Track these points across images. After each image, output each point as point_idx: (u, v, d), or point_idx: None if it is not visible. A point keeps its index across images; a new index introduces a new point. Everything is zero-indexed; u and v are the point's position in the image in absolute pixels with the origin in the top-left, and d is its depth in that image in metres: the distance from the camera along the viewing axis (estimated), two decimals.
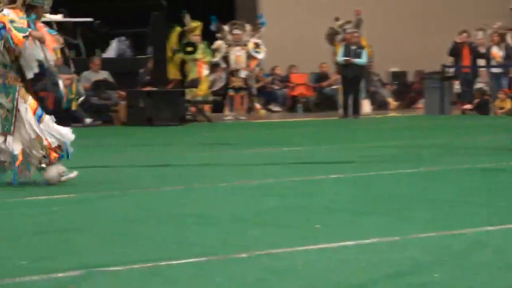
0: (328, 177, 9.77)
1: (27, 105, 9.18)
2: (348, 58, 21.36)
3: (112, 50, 21.97)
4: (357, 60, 21.38)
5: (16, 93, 9.16)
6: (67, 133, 9.24)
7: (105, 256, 5.68)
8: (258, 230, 6.58)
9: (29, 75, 9.31)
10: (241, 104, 21.21)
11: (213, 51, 21.38)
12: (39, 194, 8.57)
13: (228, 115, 21.15)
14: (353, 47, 21.55)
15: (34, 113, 9.15)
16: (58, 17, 20.43)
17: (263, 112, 21.75)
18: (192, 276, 5.20)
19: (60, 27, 20.64)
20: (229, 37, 21.16)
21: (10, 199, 8.45)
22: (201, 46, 22.28)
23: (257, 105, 21.77)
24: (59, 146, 9.16)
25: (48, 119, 9.17)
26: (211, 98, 21.51)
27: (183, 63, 22.36)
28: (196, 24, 22.35)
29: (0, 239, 6.35)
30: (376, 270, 5.25)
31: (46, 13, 9.92)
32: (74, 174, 9.24)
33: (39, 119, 9.11)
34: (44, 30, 9.60)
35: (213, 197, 8.41)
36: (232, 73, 21.10)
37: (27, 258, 5.64)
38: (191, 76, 22.06)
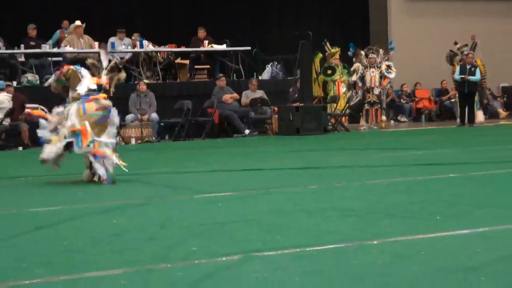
0: (449, 176, 9.61)
1: None
2: (464, 76, 21.13)
3: (267, 73, 22.14)
4: (472, 77, 21.14)
5: None
6: None
7: (260, 243, 5.69)
8: (388, 221, 6.51)
9: None
10: (375, 116, 21.16)
11: (352, 72, 21.43)
12: (207, 192, 8.67)
13: (363, 125, 21.12)
14: (469, 66, 21.30)
15: None
16: (223, 47, 20.72)
17: (384, 123, 21.54)
18: (332, 259, 5.17)
19: (223, 55, 20.99)
20: (365, 60, 21.15)
21: (185, 196, 8.59)
22: (339, 68, 22.39)
23: (383, 117, 21.59)
24: None
25: None
26: (347, 111, 21.52)
27: (325, 83, 22.50)
28: (336, 49, 22.53)
29: (178, 228, 6.45)
30: (489, 254, 5.13)
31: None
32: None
33: None
34: None
35: (350, 194, 8.35)
36: (368, 90, 21.09)
37: (197, 244, 5.71)
38: (331, 93, 22.18)
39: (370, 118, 21.09)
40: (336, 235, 5.96)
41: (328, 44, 22.71)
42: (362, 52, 21.39)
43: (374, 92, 21.03)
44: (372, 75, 21.04)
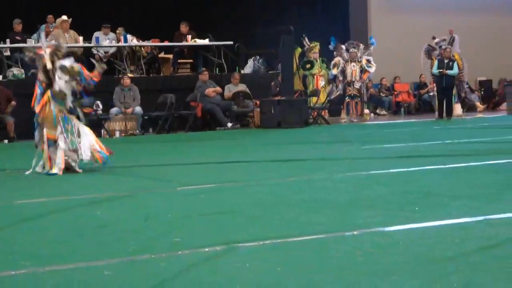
0: (426, 168, 9.64)
1: None
2: (442, 70, 21.21)
3: (249, 67, 22.13)
4: (449, 71, 21.22)
5: None
6: None
7: (242, 234, 5.70)
8: (368, 212, 6.52)
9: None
10: (355, 109, 21.25)
11: (332, 66, 21.47)
12: (190, 184, 8.66)
13: (344, 118, 21.19)
14: (446, 61, 21.37)
15: None
16: (205, 41, 20.68)
17: (368, 116, 21.72)
18: (314, 250, 5.18)
19: (206, 49, 20.95)
20: (345, 54, 21.22)
21: (169, 188, 8.58)
22: (317, 62, 22.43)
23: (366, 110, 21.71)
24: None
25: None
26: (328, 104, 21.58)
27: (304, 77, 22.54)
28: (314, 44, 22.59)
29: (161, 220, 6.44)
30: (467, 245, 5.15)
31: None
32: None
33: None
34: None
35: (331, 185, 8.36)
36: (348, 84, 21.16)
37: (180, 236, 5.71)
38: (310, 87, 22.23)
39: (351, 111, 21.19)
40: (317, 226, 5.97)
41: (306, 39, 22.76)
42: (343, 47, 21.46)
43: (354, 86, 21.11)
44: (353, 69, 21.13)
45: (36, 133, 10.46)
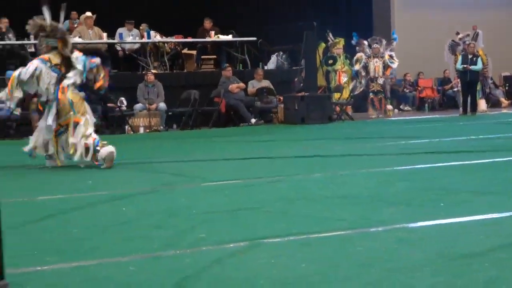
0: (450, 164, 9.59)
1: None
2: (466, 66, 21.13)
3: (272, 63, 22.14)
4: (473, 67, 21.14)
5: None
6: None
7: (266, 230, 5.69)
8: (392, 208, 6.51)
9: None
10: (379, 105, 21.28)
11: (355, 61, 21.47)
12: (214, 180, 8.66)
13: (372, 114, 21.23)
14: (470, 56, 21.29)
15: None
16: (229, 37, 20.69)
17: (392, 112, 21.69)
18: (338, 246, 5.17)
19: (230, 45, 20.97)
20: (368, 50, 21.21)
21: (193, 184, 8.59)
22: (341, 58, 22.41)
23: (389, 106, 21.68)
24: None
25: None
26: (351, 100, 21.58)
27: (326, 73, 22.54)
28: (338, 39, 22.57)
29: (185, 216, 6.45)
30: (491, 241, 5.12)
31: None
32: None
33: None
34: None
35: (355, 181, 8.35)
36: (372, 79, 21.16)
37: (205, 231, 5.71)
38: (332, 83, 22.24)
39: (377, 106, 21.24)
40: (341, 222, 5.96)
41: (330, 34, 22.73)
42: (366, 42, 21.44)
43: (377, 81, 21.11)
44: (376, 65, 21.13)
45: (50, 119, 10.38)
